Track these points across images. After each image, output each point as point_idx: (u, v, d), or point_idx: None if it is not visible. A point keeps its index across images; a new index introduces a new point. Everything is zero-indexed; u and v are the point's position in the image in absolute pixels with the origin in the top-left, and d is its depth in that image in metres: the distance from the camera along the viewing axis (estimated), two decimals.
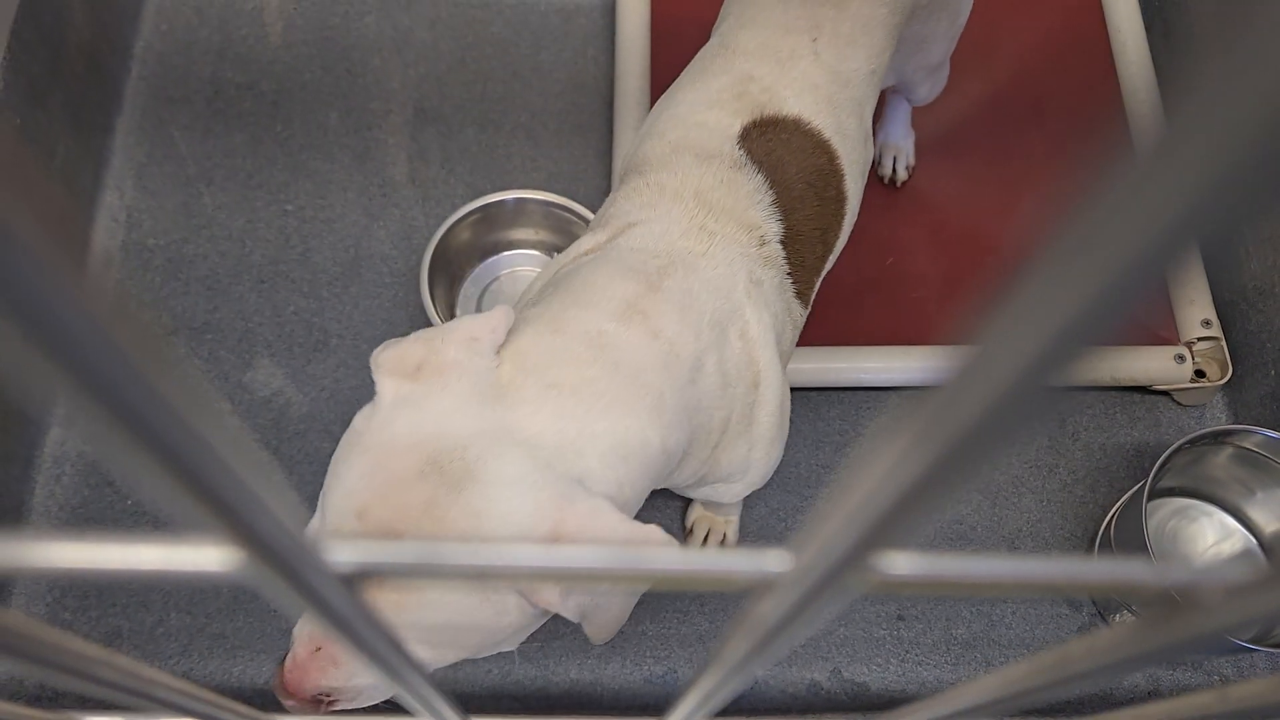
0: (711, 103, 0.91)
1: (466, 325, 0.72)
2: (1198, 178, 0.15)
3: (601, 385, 0.72)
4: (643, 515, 1.27)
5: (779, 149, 0.90)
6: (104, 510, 1.28)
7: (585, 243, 0.87)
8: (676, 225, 0.84)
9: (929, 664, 1.25)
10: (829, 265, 0.98)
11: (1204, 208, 0.15)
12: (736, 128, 0.90)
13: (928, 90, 1.25)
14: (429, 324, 1.31)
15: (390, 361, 0.70)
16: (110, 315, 0.15)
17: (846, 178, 0.94)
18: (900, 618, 1.27)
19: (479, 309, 1.38)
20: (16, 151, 0.14)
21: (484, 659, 1.23)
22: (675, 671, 1.24)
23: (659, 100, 0.98)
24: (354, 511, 0.65)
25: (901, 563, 0.20)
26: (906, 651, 1.26)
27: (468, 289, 1.39)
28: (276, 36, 1.55)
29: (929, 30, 1.10)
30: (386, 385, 0.69)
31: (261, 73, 1.52)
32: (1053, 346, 0.17)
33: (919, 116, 1.40)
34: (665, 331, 0.76)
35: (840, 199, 0.95)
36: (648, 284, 0.78)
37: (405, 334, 1.35)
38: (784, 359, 0.90)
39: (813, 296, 0.96)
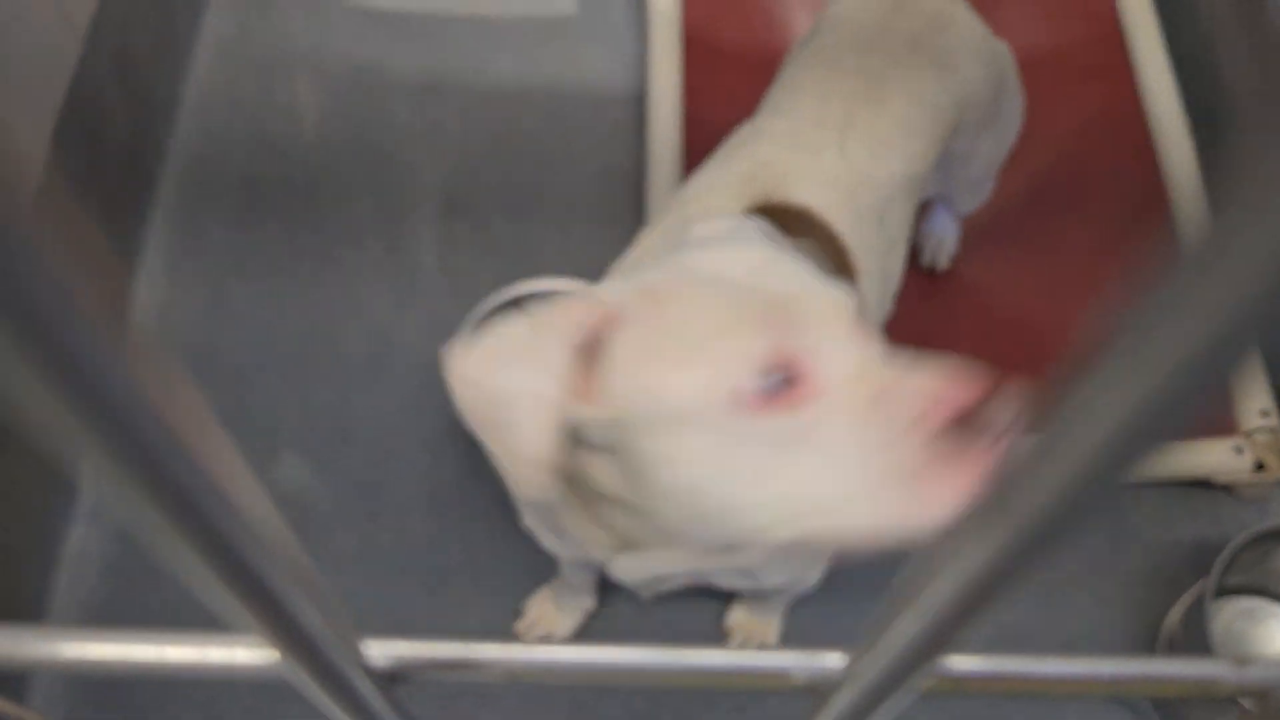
0: (716, 186, 0.88)
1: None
2: (1258, 275, 0.15)
3: None
4: (682, 616, 1.23)
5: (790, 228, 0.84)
6: (126, 609, 1.26)
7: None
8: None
9: None
10: None
11: (1262, 305, 0.15)
12: (736, 212, 0.85)
13: (969, 202, 1.25)
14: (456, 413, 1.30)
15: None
16: (157, 390, 0.15)
17: (863, 276, 0.87)
18: None
19: None
20: (71, 214, 0.14)
21: None
22: None
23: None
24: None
25: (964, 661, 0.19)
26: None
27: None
28: (310, 130, 1.58)
29: (973, 148, 1.09)
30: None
31: (295, 166, 1.55)
32: (1115, 444, 0.16)
33: None
34: None
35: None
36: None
37: (432, 423, 1.35)
38: None
39: None
